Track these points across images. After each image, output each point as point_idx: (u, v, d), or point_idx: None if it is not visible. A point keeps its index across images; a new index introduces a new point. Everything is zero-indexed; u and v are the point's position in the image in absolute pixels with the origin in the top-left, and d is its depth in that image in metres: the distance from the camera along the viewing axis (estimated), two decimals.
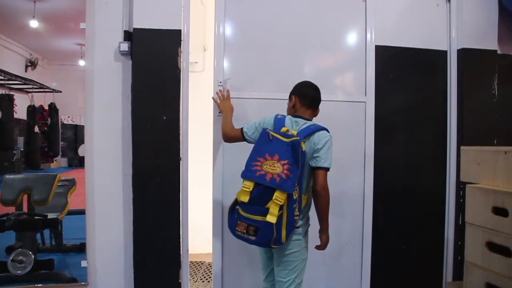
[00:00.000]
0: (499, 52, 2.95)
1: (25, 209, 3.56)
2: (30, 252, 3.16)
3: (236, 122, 2.39)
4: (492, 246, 1.84)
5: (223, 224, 2.62)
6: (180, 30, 2.49)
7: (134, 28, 2.46)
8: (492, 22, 2.90)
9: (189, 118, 2.54)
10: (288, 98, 2.19)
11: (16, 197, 3.39)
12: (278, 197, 1.79)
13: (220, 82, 2.59)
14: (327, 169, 1.98)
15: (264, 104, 2.61)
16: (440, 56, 2.92)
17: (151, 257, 2.48)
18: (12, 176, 3.61)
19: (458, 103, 2.90)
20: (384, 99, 2.82)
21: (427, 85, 2.92)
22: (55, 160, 12.60)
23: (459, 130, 2.88)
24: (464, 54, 2.87)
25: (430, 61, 2.92)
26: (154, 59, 2.46)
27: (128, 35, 2.50)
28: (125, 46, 2.47)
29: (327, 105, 2.47)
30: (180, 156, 2.50)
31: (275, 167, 1.82)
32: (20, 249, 3.17)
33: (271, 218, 1.79)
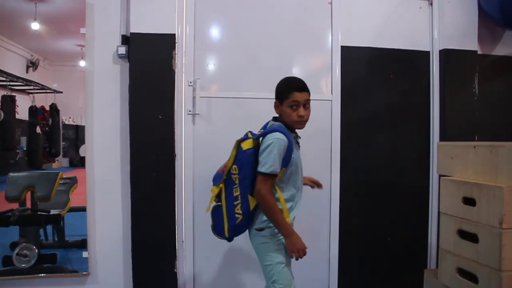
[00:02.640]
0: (479, 52, 3.09)
1: (28, 205, 3.69)
2: (34, 247, 3.31)
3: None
4: (463, 234, 1.97)
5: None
6: (174, 34, 2.63)
7: (131, 33, 2.59)
8: (473, 24, 3.03)
9: (183, 117, 2.68)
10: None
11: (20, 194, 3.53)
12: (212, 187, 2.11)
13: (190, 82, 2.71)
14: (263, 174, 1.95)
15: (236, 103, 2.75)
16: (423, 57, 3.06)
17: (148, 249, 2.61)
18: (16, 174, 3.75)
19: (440, 102, 3.03)
20: (366, 98, 2.97)
21: (410, 84, 3.06)
22: (57, 160, 12.74)
23: (442, 127, 3.02)
24: (446, 55, 3.00)
25: (413, 61, 3.06)
26: (150, 62, 2.60)
27: (126, 39, 2.63)
28: (122, 50, 2.60)
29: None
30: (175, 153, 2.65)
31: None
32: (24, 244, 3.32)
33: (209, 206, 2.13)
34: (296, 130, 2.11)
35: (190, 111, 2.68)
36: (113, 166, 2.68)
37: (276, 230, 2.01)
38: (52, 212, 3.63)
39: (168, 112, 2.61)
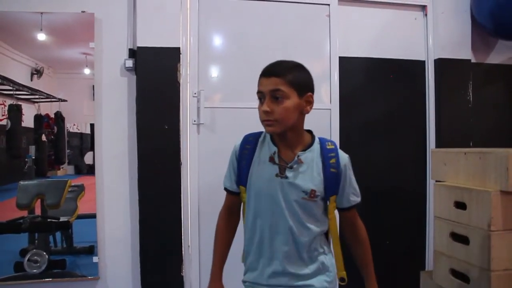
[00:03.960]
0: (473, 61, 3.20)
1: (37, 212, 3.80)
2: (44, 253, 3.41)
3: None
4: (455, 236, 2.08)
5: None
6: (179, 47, 2.74)
7: (138, 47, 2.71)
8: (466, 34, 3.15)
9: (188, 127, 2.80)
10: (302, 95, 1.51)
11: (30, 202, 3.63)
12: None
13: (195, 93, 2.81)
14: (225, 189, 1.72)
15: (238, 113, 2.84)
16: (418, 66, 3.18)
17: (156, 253, 2.71)
18: (26, 182, 3.86)
19: (436, 109, 3.14)
20: (365, 107, 3.09)
21: (407, 92, 3.18)
22: (62, 168, 12.83)
23: (437, 134, 3.12)
24: (441, 64, 3.12)
25: (409, 70, 3.17)
26: (156, 74, 2.71)
27: (133, 53, 2.75)
28: (130, 63, 2.72)
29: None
30: (181, 161, 2.76)
31: None
32: (35, 250, 3.42)
33: None
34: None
35: (195, 121, 2.79)
36: (121, 173, 2.79)
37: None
38: (61, 219, 3.74)
39: (174, 122, 2.72)
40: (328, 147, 1.56)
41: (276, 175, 1.53)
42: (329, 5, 2.97)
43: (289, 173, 1.52)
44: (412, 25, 3.19)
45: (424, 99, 3.18)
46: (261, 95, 1.50)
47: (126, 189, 2.80)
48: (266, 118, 1.48)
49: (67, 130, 11.12)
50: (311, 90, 1.54)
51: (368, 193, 3.06)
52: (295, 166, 1.52)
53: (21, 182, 3.85)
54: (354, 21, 3.08)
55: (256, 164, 1.59)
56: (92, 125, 10.85)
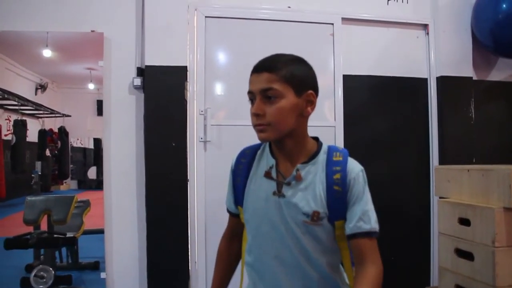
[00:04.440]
0: (474, 78, 3.25)
1: (43, 228, 3.83)
2: (51, 268, 3.44)
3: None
4: (460, 252, 2.11)
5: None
6: (186, 66, 2.80)
7: (145, 65, 2.76)
8: (467, 52, 3.20)
9: (195, 144, 2.84)
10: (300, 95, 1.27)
11: (37, 217, 3.67)
12: None
13: (202, 111, 2.85)
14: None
15: (244, 130, 2.78)
16: (421, 83, 3.23)
17: (163, 269, 2.73)
18: (33, 198, 3.91)
19: (438, 126, 3.18)
20: (369, 124, 3.13)
21: (410, 109, 3.23)
22: (65, 182, 12.81)
23: (441, 151, 3.16)
24: (443, 81, 3.17)
25: (412, 88, 3.23)
26: (164, 92, 2.77)
27: (141, 71, 2.81)
28: (138, 81, 2.78)
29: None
30: (188, 178, 2.80)
31: None
32: (41, 266, 3.45)
33: None
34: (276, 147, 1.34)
35: (201, 138, 2.83)
36: (129, 189, 2.83)
37: None
38: (68, 235, 3.77)
39: (181, 139, 2.77)
40: (334, 158, 1.28)
41: (274, 193, 1.29)
42: (333, 24, 3.04)
43: (287, 191, 1.28)
44: (414, 43, 3.25)
45: (427, 116, 3.22)
46: (251, 95, 1.27)
47: (133, 205, 2.83)
48: (257, 122, 1.25)
49: (70, 145, 11.24)
50: (313, 87, 1.28)
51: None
52: (293, 182, 1.28)
53: (28, 198, 3.89)
54: (358, 40, 3.14)
55: (252, 180, 1.36)
56: (95, 140, 10.96)
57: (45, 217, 3.72)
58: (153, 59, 2.77)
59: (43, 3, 2.83)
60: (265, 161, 1.36)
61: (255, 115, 1.24)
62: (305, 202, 1.26)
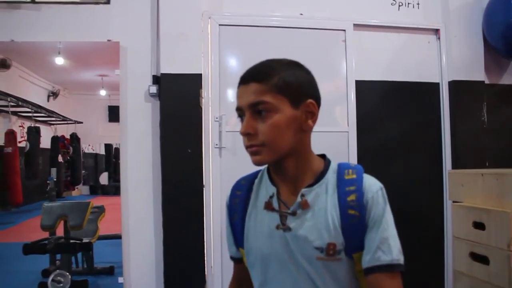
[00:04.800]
0: (486, 82, 3.27)
1: (59, 233, 3.90)
2: (67, 273, 3.50)
3: None
4: (474, 256, 2.13)
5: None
6: (201, 73, 2.85)
7: (161, 73, 2.82)
8: (479, 56, 3.22)
9: (210, 151, 2.88)
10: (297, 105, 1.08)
11: (54, 223, 3.73)
12: None
13: (216, 118, 2.89)
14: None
15: None
16: (433, 88, 3.24)
17: (179, 274, 2.77)
18: (50, 204, 3.97)
19: (451, 130, 3.19)
20: (381, 129, 3.15)
21: (422, 114, 3.24)
22: (77, 188, 12.93)
23: (453, 155, 3.17)
24: (455, 86, 3.18)
25: (424, 92, 3.25)
26: (179, 100, 2.81)
27: (156, 79, 2.86)
28: (154, 89, 2.83)
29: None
30: (204, 183, 2.83)
31: None
32: (58, 271, 3.51)
33: None
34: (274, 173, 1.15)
35: (216, 144, 2.87)
36: (146, 195, 2.88)
37: None
38: (83, 240, 3.83)
39: (196, 146, 2.81)
40: (347, 176, 1.08)
41: (277, 227, 1.09)
42: (345, 30, 3.07)
43: (292, 222, 1.07)
44: (425, 48, 3.27)
45: (439, 121, 3.24)
46: (240, 112, 1.08)
47: (150, 211, 2.87)
48: (248, 143, 1.06)
49: (82, 150, 11.39)
50: (312, 95, 1.09)
51: None
52: (299, 211, 1.07)
53: (45, 204, 3.96)
54: (369, 46, 3.17)
55: (252, 215, 1.16)
56: (107, 145, 11.14)
57: (61, 223, 3.80)
58: (168, 67, 2.82)
59: (59, 14, 2.88)
60: (264, 190, 1.15)
61: (245, 134, 1.05)
62: (316, 233, 1.05)
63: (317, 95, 1.11)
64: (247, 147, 1.07)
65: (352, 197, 1.05)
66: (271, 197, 1.12)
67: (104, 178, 11.97)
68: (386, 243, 1.04)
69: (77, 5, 2.93)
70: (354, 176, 1.08)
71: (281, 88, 1.04)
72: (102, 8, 2.94)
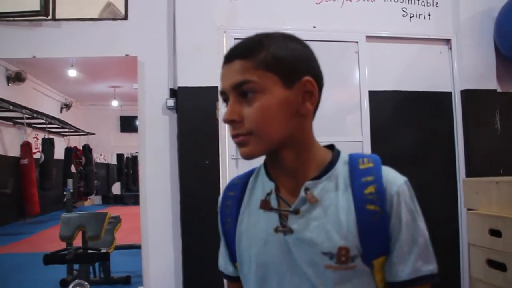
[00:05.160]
0: (498, 90, 3.30)
1: (76, 244, 3.97)
2: (86, 283, 3.56)
3: None
4: (491, 263, 2.16)
5: None
6: (217, 86, 2.91)
7: (178, 87, 2.88)
8: (490, 65, 3.26)
9: (227, 162, 2.93)
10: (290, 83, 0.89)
11: (72, 234, 3.80)
12: None
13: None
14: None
15: None
16: (445, 97, 3.29)
17: (198, 283, 2.81)
18: (68, 215, 4.04)
19: (464, 139, 3.23)
20: (395, 138, 3.19)
21: (435, 123, 3.28)
22: (89, 198, 13.04)
23: (467, 163, 3.20)
24: (467, 95, 3.22)
25: (436, 102, 3.29)
26: (196, 112, 2.87)
27: (173, 92, 2.93)
28: (171, 102, 2.90)
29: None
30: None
31: None
32: (77, 280, 3.57)
33: None
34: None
35: (233, 156, 2.92)
36: (164, 206, 2.93)
37: None
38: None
39: (213, 157, 2.86)
40: (361, 166, 0.90)
41: (276, 230, 0.89)
42: (357, 42, 3.13)
43: (294, 223, 0.88)
44: (437, 58, 3.31)
45: (452, 129, 3.27)
46: (224, 96, 0.91)
47: (169, 221, 2.92)
48: (233, 131, 0.88)
49: (94, 161, 11.49)
50: (310, 72, 0.89)
51: None
52: (303, 208, 0.88)
53: (63, 215, 4.03)
54: (382, 57, 3.22)
55: (244, 217, 0.97)
56: (118, 155, 11.26)
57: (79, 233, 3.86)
58: (185, 81, 2.88)
59: (79, 31, 2.97)
60: (261, 187, 0.96)
61: (228, 122, 0.87)
62: (324, 235, 0.86)
63: (316, 72, 0.91)
64: (233, 137, 0.89)
65: (370, 189, 0.86)
66: (268, 194, 0.92)
67: (116, 188, 12.06)
68: (426, 248, 0.91)
69: (96, 21, 3.01)
70: (371, 164, 0.90)
71: (269, 64, 0.85)
72: (120, 24, 3.02)
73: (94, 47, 3.01)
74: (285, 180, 0.93)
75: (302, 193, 0.89)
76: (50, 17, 2.95)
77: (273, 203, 0.92)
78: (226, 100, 0.90)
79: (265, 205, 0.93)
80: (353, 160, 0.92)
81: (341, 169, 0.91)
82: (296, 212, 0.89)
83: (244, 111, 0.86)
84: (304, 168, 0.91)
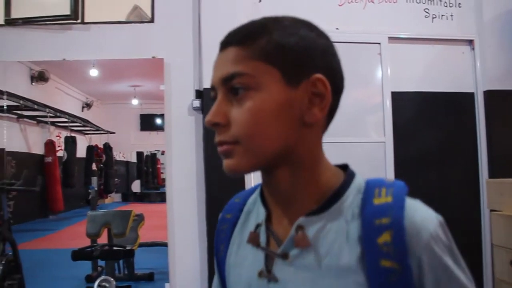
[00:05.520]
0: None
1: (100, 241, 4.07)
2: (112, 279, 3.65)
3: None
4: None
5: None
6: None
7: (204, 88, 2.95)
8: None
9: None
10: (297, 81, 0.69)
11: (98, 231, 3.90)
12: None
13: None
14: None
15: None
16: (468, 98, 3.29)
17: None
18: (94, 213, 4.15)
19: (487, 139, 3.23)
20: (417, 139, 3.20)
21: (457, 124, 3.29)
22: (109, 196, 13.29)
23: (490, 164, 3.21)
24: (490, 95, 3.23)
25: (459, 102, 3.29)
26: None
27: (199, 94, 2.99)
28: (197, 103, 2.96)
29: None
30: None
31: None
32: (103, 276, 3.66)
33: None
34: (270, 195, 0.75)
35: None
36: (190, 205, 3.00)
37: None
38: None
39: None
40: (377, 200, 0.66)
41: (260, 274, 0.71)
42: (380, 43, 3.16)
43: (280, 270, 0.69)
44: (460, 59, 3.32)
45: (474, 130, 3.28)
46: (214, 93, 0.72)
47: (195, 219, 2.99)
48: (217, 138, 0.70)
49: (114, 159, 11.69)
50: (323, 67, 0.69)
51: None
52: (292, 252, 0.68)
53: (90, 213, 4.14)
54: (404, 58, 3.24)
55: (233, 251, 0.80)
56: (138, 153, 11.43)
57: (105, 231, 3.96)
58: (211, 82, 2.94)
59: (107, 34, 3.05)
60: (256, 212, 0.78)
61: (211, 124, 0.68)
62: None
63: (332, 69, 0.70)
64: (217, 146, 0.70)
65: (385, 237, 0.61)
66: (257, 226, 0.74)
67: (136, 186, 12.22)
68: None
69: (123, 24, 3.09)
70: (389, 199, 0.64)
71: (270, 54, 0.66)
72: (146, 26, 3.09)
73: (121, 50, 3.09)
74: (278, 208, 0.72)
75: (292, 232, 0.67)
76: (79, 21, 3.04)
77: (262, 238, 0.73)
78: (215, 97, 0.71)
79: (253, 239, 0.74)
80: (369, 190, 0.67)
81: (351, 200, 0.67)
82: (284, 256, 0.68)
83: (232, 113, 0.67)
84: (302, 195, 0.69)
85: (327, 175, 0.71)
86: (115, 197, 13.01)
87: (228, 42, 0.70)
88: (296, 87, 0.67)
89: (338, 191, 0.69)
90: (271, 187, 0.73)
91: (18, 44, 3.03)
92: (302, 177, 0.70)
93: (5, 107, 5.68)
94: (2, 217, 3.67)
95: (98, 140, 12.11)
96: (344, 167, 0.74)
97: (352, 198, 0.68)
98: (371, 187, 0.68)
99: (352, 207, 0.67)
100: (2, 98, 5.74)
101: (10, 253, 3.86)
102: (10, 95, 5.40)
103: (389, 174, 3.08)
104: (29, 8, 3.04)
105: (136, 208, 6.58)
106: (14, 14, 3.00)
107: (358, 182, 0.70)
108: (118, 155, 12.93)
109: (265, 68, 0.66)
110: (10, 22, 2.98)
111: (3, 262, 3.61)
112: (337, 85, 0.71)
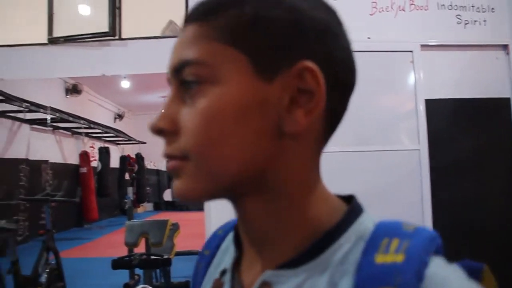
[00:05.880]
0: None
1: (136, 250, 4.17)
2: (150, 287, 3.75)
3: None
4: None
5: None
6: None
7: None
8: None
9: None
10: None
11: (136, 240, 4.00)
12: None
13: None
14: None
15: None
16: (503, 103, 3.25)
17: None
18: (132, 222, 4.25)
19: None
20: (452, 146, 3.17)
21: (493, 130, 3.25)
22: (141, 205, 13.65)
23: None
24: None
25: (494, 108, 3.25)
26: None
27: None
28: None
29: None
30: None
31: None
32: (142, 285, 3.76)
33: None
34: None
35: None
36: (228, 214, 3.02)
37: None
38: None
39: None
40: (380, 258, 0.42)
41: None
42: (412, 51, 3.16)
43: None
44: (494, 64, 3.28)
45: (510, 136, 3.24)
46: (170, 85, 0.52)
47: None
48: (165, 149, 0.50)
49: (145, 168, 12.06)
50: (316, 52, 0.47)
51: (459, 231, 3.17)
52: None
53: (128, 222, 4.25)
54: (437, 65, 3.22)
55: None
56: None
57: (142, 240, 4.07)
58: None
59: (143, 48, 3.16)
60: (230, 252, 0.60)
61: (155, 131, 0.50)
62: None
63: (330, 53, 0.49)
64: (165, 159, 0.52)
65: None
66: (222, 272, 0.57)
67: (168, 195, 12.47)
68: None
69: (159, 39, 3.19)
70: (400, 258, 0.42)
71: (235, 32, 0.46)
72: None
73: (157, 64, 3.16)
74: (252, 249, 0.53)
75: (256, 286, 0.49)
76: (117, 37, 3.16)
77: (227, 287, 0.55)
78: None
79: (217, 286, 0.57)
80: (376, 238, 0.45)
81: (347, 251, 0.46)
82: None
83: (182, 115, 0.48)
84: (280, 236, 0.50)
85: (319, 209, 0.49)
86: (147, 206, 13.31)
87: (188, 18, 0.50)
88: (271, 80, 0.46)
89: (331, 234, 0.47)
90: (243, 222, 0.53)
91: (59, 61, 3.17)
92: (281, 210, 0.49)
93: (49, 121, 5.89)
94: (45, 227, 3.80)
95: (130, 150, 12.48)
96: (348, 198, 0.52)
97: (348, 248, 0.46)
98: (379, 235, 0.45)
99: (346, 261, 0.45)
100: (46, 113, 5.97)
101: (53, 262, 4.00)
102: (53, 110, 5.60)
103: (425, 182, 3.07)
104: (69, 26, 3.18)
105: (169, 216, 6.72)
106: (56, 33, 3.14)
107: (363, 224, 0.48)
108: (149, 164, 13.25)
109: (227, 52, 0.46)
110: (53, 40, 3.12)
111: (47, 270, 3.74)
112: (338, 78, 0.50)
